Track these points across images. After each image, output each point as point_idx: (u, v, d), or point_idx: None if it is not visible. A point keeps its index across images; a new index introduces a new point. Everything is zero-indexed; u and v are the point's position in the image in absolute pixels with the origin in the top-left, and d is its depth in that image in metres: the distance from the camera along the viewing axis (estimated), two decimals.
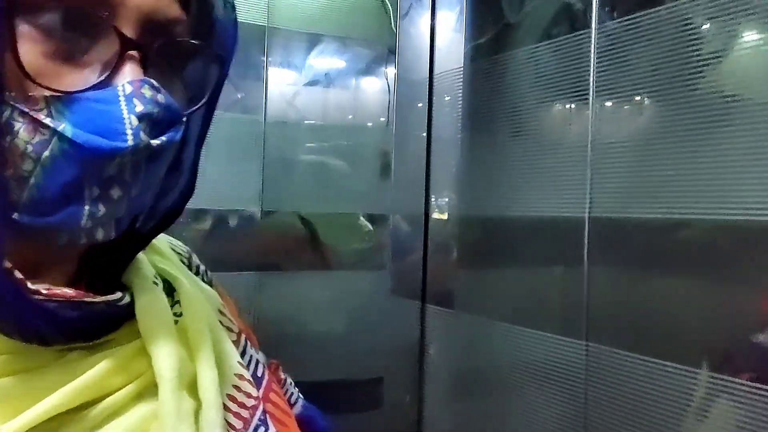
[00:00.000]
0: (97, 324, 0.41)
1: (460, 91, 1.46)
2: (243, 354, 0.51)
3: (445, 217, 1.46)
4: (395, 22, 2.14)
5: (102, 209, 0.37)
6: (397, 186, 1.58)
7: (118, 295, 0.42)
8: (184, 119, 0.41)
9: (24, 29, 0.35)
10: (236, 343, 0.51)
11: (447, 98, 1.54)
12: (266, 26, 2.05)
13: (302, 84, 2.14)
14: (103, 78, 0.37)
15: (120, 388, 0.41)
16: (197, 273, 0.57)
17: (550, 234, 1.36)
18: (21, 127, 0.35)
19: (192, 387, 0.43)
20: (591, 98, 1.37)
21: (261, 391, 0.50)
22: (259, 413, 0.47)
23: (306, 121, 2.15)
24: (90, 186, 0.37)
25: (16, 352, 0.38)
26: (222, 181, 1.99)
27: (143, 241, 0.46)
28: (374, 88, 2.21)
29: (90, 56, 0.38)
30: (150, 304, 0.44)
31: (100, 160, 0.36)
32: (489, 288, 1.43)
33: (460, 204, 1.47)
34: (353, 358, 2.03)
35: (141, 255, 0.48)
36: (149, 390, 0.42)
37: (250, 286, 2.04)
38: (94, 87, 0.37)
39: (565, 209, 1.38)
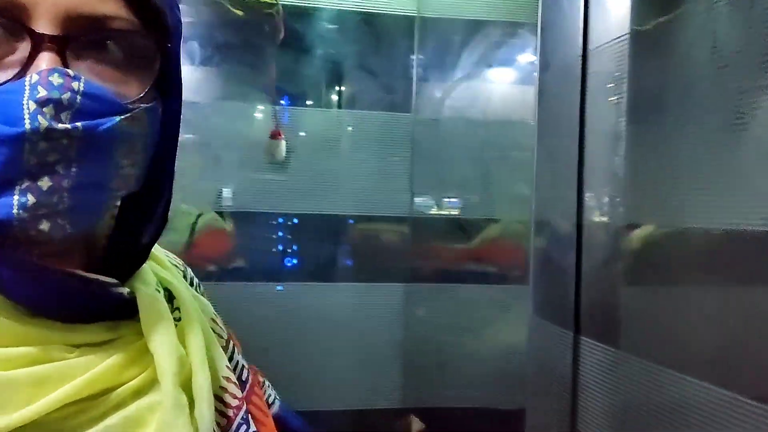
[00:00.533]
0: (96, 305, 0.45)
1: (624, 66, 1.10)
2: (230, 359, 0.57)
3: (604, 228, 1.13)
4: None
5: (31, 198, 0.39)
6: (539, 187, 1.30)
7: (114, 281, 0.46)
8: (133, 108, 0.43)
9: None
10: (225, 348, 0.56)
11: (605, 80, 1.18)
12: (416, 16, 1.88)
13: (453, 78, 1.93)
14: (16, 72, 0.41)
15: (125, 383, 0.44)
16: (191, 284, 0.61)
17: (754, 255, 0.95)
18: None
19: (187, 384, 0.48)
20: None
21: (244, 393, 0.55)
22: (242, 413, 0.52)
23: (462, 118, 1.93)
24: (14, 175, 0.39)
25: (41, 343, 0.42)
26: (370, 185, 1.87)
27: (144, 250, 0.50)
28: (518, 78, 1.92)
29: (8, 55, 0.41)
30: (152, 305, 0.48)
31: (4, 145, 0.39)
32: (666, 325, 1.05)
33: (626, 212, 1.11)
34: (490, 383, 1.79)
35: (145, 265, 0.51)
36: (149, 385, 0.46)
37: (395, 298, 1.89)
38: (8, 82, 0.40)
39: None
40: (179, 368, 0.47)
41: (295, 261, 1.86)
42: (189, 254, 1.76)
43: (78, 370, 0.42)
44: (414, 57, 1.90)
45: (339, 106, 1.91)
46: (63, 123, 0.40)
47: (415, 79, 1.89)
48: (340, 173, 1.85)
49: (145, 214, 0.49)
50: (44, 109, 0.39)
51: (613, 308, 1.17)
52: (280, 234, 1.85)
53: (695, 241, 1.02)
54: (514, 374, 1.70)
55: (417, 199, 1.89)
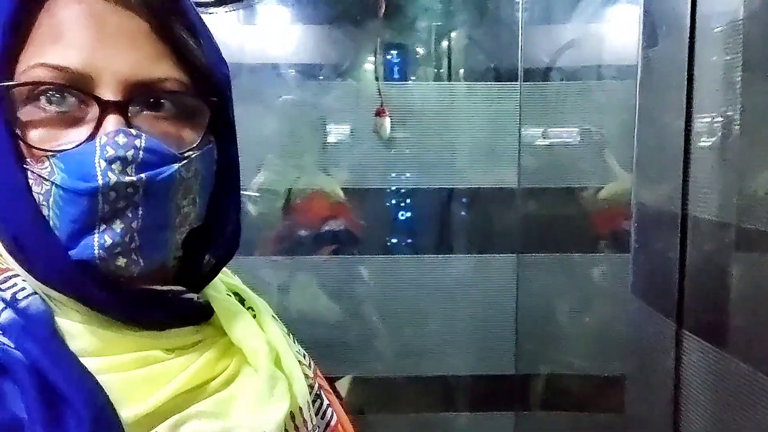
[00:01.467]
0: (178, 312, 0.53)
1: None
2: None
3: (714, 213, 1.01)
4: None
5: (109, 240, 0.47)
6: (640, 160, 1.22)
7: (184, 290, 0.53)
8: (187, 156, 0.50)
9: (27, 110, 0.48)
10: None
11: (719, 28, 1.02)
12: None
13: (560, 40, 1.85)
14: (88, 135, 0.48)
15: (217, 376, 0.53)
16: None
17: None
18: (33, 183, 0.48)
19: (277, 364, 0.56)
20: None
21: (311, 371, 0.63)
22: (315, 387, 0.62)
23: (567, 85, 1.86)
24: (92, 222, 0.47)
25: (144, 349, 0.51)
26: (478, 156, 1.88)
27: (213, 269, 0.58)
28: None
29: (81, 120, 0.48)
30: (227, 306, 0.56)
31: (82, 198, 0.46)
32: None
33: (739, 197, 0.98)
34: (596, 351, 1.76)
35: (217, 281, 0.59)
36: (235, 375, 0.53)
37: (508, 268, 1.90)
38: (83, 143, 0.48)
39: None
40: (269, 348, 0.55)
41: (409, 235, 1.92)
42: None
43: (178, 368, 0.51)
44: (519, 16, 1.83)
45: (448, 78, 1.91)
46: (129, 176, 0.47)
47: (521, 42, 1.84)
48: (448, 146, 1.87)
49: (208, 241, 0.56)
50: (113, 166, 0.46)
51: (721, 304, 1.09)
52: (395, 209, 1.92)
53: None
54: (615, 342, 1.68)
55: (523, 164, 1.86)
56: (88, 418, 0.45)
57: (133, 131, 0.48)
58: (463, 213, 1.94)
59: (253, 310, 0.60)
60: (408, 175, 1.88)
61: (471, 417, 1.98)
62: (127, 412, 0.47)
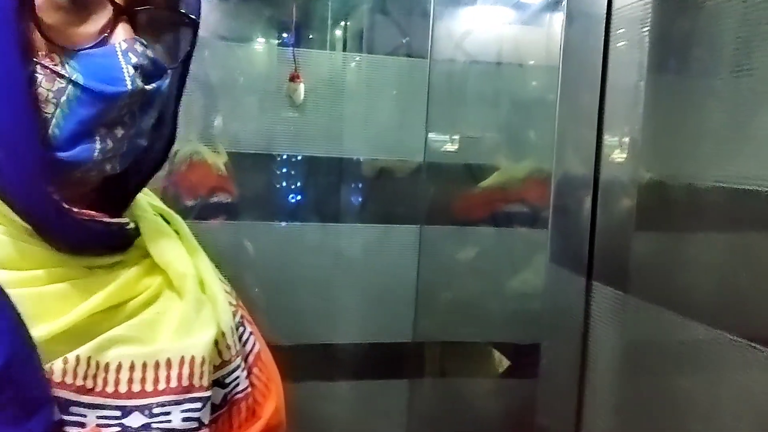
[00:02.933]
0: (112, 241, 0.52)
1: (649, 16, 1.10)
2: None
3: (621, 180, 1.18)
4: None
5: (110, 144, 0.48)
6: (561, 138, 1.35)
7: (127, 220, 0.53)
8: (169, 72, 0.52)
9: (41, 4, 0.46)
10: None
11: (628, 30, 1.19)
12: None
13: (470, 22, 1.93)
14: (102, 38, 0.47)
15: (141, 293, 0.52)
16: None
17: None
18: (42, 79, 0.46)
19: (202, 289, 0.55)
20: None
21: (234, 300, 0.62)
22: (238, 315, 0.61)
23: (476, 62, 1.95)
24: (99, 126, 0.47)
25: (61, 265, 0.49)
26: (386, 129, 1.90)
27: (142, 181, 0.57)
28: (546, 23, 1.93)
29: (91, 22, 0.48)
30: (155, 227, 0.56)
31: (106, 102, 0.46)
32: (676, 272, 1.12)
33: (642, 164, 1.16)
34: (507, 322, 1.89)
35: (139, 195, 0.58)
36: (155, 297, 0.53)
37: (406, 240, 1.95)
38: (96, 45, 0.47)
39: None
40: (195, 272, 0.55)
41: (301, 200, 1.92)
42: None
43: (96, 285, 0.49)
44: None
45: (357, 50, 1.93)
46: (144, 85, 0.48)
47: (431, 21, 1.90)
48: (356, 116, 1.89)
49: (149, 157, 0.56)
50: (136, 73, 0.47)
51: (624, 255, 1.24)
52: (294, 176, 1.90)
53: (706, 196, 1.08)
54: (520, 311, 1.80)
55: (431, 136, 1.92)
56: None
57: (144, 41, 0.49)
58: (368, 184, 1.96)
59: (179, 234, 0.59)
60: (317, 143, 1.88)
61: (366, 384, 2.03)
62: (39, 330, 0.45)
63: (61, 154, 0.46)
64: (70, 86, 0.46)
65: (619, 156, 1.26)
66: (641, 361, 1.22)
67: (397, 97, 1.92)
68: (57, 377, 0.45)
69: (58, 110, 0.46)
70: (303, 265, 1.88)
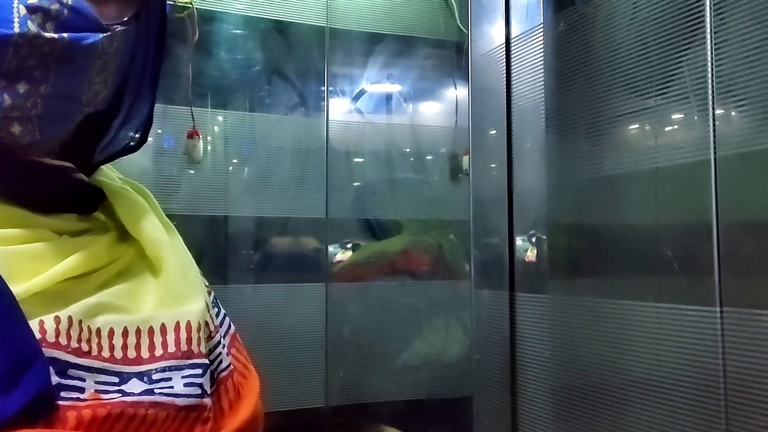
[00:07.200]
0: (65, 189, 0.49)
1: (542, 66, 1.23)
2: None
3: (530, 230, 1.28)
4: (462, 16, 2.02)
5: (8, 99, 0.41)
6: (476, 191, 1.44)
7: (71, 164, 0.49)
8: (113, 29, 0.45)
9: None
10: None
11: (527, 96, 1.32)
12: (326, 27, 1.98)
13: (365, 84, 2.04)
14: None
15: (113, 261, 0.49)
16: None
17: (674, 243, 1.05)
18: None
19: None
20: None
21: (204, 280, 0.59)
22: (212, 296, 0.57)
23: (371, 123, 2.04)
24: None
25: (31, 226, 0.45)
26: (288, 186, 1.91)
27: (101, 162, 0.54)
28: (442, 87, 2.09)
29: None
30: (123, 194, 0.53)
31: None
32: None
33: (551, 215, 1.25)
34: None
35: (106, 169, 0.56)
36: (137, 263, 0.50)
37: (316, 297, 1.92)
38: None
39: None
40: (170, 242, 0.51)
41: (217, 264, 1.84)
42: None
43: (68, 249, 0.46)
44: (325, 65, 1.99)
45: (254, 110, 1.95)
46: (48, 32, 0.41)
47: (326, 85, 1.98)
48: (257, 175, 1.88)
49: (101, 131, 0.52)
50: (33, 16, 0.40)
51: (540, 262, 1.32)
52: (199, 236, 1.83)
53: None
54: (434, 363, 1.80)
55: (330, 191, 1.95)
56: None
57: None
58: (270, 242, 1.93)
59: (151, 208, 0.55)
60: (218, 201, 1.84)
61: None
62: (16, 288, 0.42)
63: None
64: None
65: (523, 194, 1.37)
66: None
67: (297, 156, 1.94)
68: (50, 336, 0.41)
69: None
70: None
